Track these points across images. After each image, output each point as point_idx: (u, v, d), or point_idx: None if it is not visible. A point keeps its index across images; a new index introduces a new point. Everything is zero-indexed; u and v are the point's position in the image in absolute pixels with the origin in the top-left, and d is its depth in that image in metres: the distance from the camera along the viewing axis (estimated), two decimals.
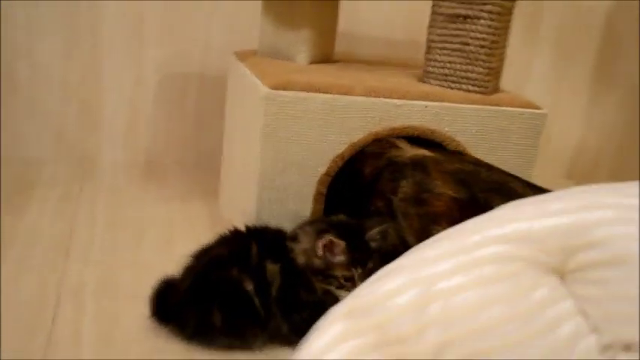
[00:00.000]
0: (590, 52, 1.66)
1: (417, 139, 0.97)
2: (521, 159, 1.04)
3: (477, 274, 0.55)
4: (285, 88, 0.91)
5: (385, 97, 0.95)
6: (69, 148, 1.53)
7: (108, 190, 1.38)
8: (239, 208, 1.10)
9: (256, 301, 0.81)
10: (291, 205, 0.96)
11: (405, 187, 0.85)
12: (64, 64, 1.47)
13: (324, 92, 0.93)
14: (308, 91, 0.92)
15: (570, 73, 1.66)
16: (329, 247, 0.82)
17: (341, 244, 0.82)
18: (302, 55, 1.11)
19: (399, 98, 0.96)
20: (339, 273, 0.83)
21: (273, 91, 0.91)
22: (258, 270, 0.82)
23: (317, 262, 0.83)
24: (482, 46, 1.01)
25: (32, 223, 1.15)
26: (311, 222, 0.90)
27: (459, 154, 0.95)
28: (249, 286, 0.81)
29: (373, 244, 0.85)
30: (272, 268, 0.83)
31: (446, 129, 0.99)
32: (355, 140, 0.95)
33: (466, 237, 0.59)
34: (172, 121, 1.58)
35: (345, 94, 0.94)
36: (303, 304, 0.83)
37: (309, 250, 0.84)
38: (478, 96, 1.01)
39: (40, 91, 1.48)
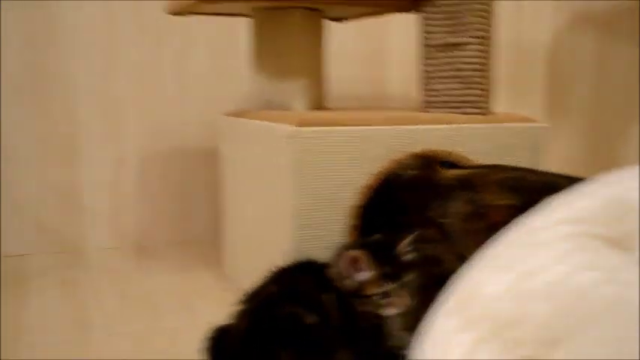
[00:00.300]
0: (539, 86, 1.78)
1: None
2: None
3: (554, 251, 0.57)
4: (309, 125, 0.93)
5: (402, 125, 0.99)
6: (51, 238, 1.46)
7: (104, 271, 1.33)
8: (257, 267, 1.08)
9: (320, 334, 0.79)
10: (327, 241, 0.95)
11: (457, 207, 0.86)
12: (40, 150, 1.44)
13: (345, 125, 0.95)
14: (331, 126, 0.94)
15: (524, 109, 1.76)
16: (353, 264, 0.80)
17: (362, 256, 0.79)
18: (299, 102, 1.14)
19: (414, 125, 0.99)
20: (370, 291, 0.80)
21: (299, 128, 0.92)
22: (315, 302, 0.80)
23: (349, 284, 0.81)
24: (476, 70, 1.07)
25: (38, 312, 1.08)
26: (345, 245, 0.88)
27: (496, 166, 0.98)
28: (311, 319, 0.79)
29: (407, 257, 0.83)
30: (328, 298, 0.80)
31: (459, 150, 1.02)
32: (380, 169, 0.97)
33: (527, 227, 0.62)
34: (158, 199, 1.55)
35: (365, 125, 0.96)
36: (366, 332, 0.82)
37: (338, 273, 0.82)
38: (480, 117, 1.06)
39: (16, 181, 1.42)
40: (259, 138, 1.05)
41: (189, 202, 1.57)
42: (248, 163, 1.12)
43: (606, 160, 1.74)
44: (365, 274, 0.80)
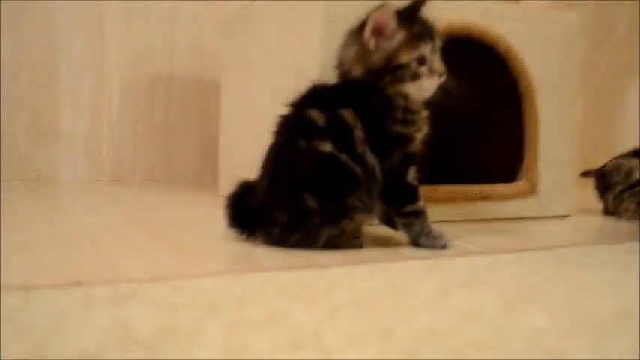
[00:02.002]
0: None
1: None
2: (563, 67, 1.01)
3: None
4: None
5: None
6: (19, 166, 1.30)
7: (82, 194, 1.18)
8: None
9: (343, 157, 0.64)
10: None
11: None
12: (12, 63, 1.29)
13: None
14: None
15: None
16: (379, 32, 0.66)
17: (389, 16, 0.66)
18: None
19: None
20: (405, 58, 0.66)
21: None
22: (330, 124, 0.65)
23: (375, 59, 0.67)
24: None
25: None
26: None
27: None
28: (327, 147, 0.64)
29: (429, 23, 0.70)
30: (347, 113, 0.66)
31: (496, 29, 0.94)
32: None
33: None
34: (139, 131, 1.42)
35: None
36: (397, 138, 0.68)
37: (360, 52, 0.68)
38: (515, 1, 0.99)
39: None
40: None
41: (173, 137, 1.44)
42: (268, 43, 1.01)
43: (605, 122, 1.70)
44: (397, 38, 0.67)
